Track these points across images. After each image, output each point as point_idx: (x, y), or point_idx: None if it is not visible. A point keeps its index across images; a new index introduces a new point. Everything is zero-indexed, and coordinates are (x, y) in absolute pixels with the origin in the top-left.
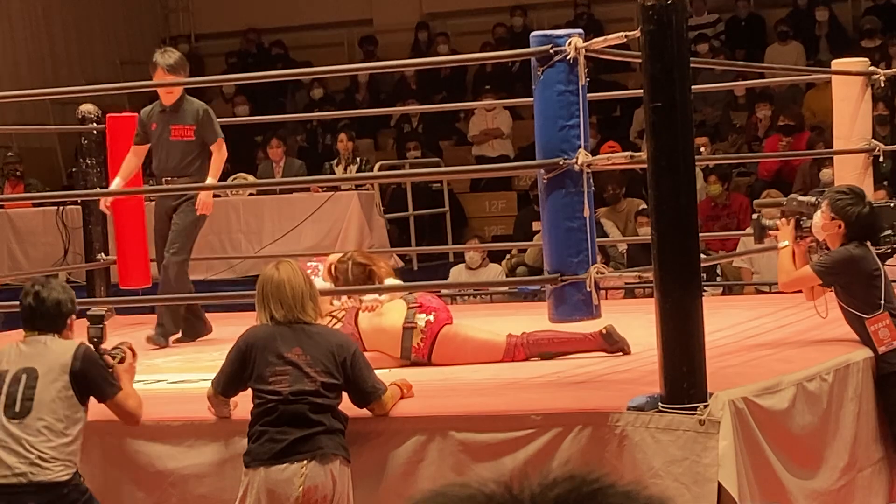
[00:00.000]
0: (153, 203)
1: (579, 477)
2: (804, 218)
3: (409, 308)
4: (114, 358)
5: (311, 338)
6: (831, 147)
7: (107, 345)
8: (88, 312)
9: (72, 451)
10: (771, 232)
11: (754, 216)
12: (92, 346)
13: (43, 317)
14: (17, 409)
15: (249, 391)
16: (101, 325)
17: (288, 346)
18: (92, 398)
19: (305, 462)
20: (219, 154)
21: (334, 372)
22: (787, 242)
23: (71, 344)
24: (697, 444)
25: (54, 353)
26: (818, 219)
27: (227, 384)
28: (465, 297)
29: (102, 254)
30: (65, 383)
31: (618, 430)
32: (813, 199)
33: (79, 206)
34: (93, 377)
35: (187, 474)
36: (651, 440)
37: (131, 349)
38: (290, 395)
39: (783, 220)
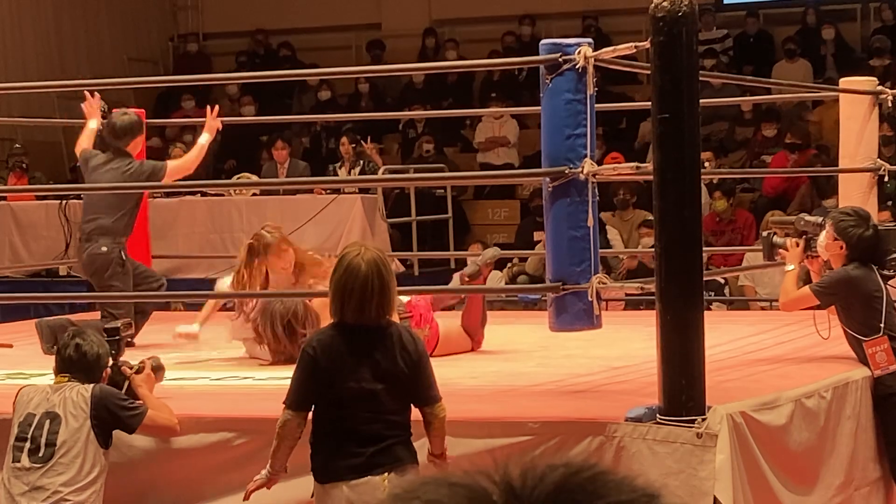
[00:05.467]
0: (156, 199)
1: (574, 465)
2: (814, 237)
3: (401, 319)
4: (130, 368)
5: (381, 343)
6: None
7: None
8: (105, 326)
9: (93, 492)
10: (781, 251)
11: (765, 233)
12: (108, 371)
13: (81, 370)
14: (41, 453)
15: None
16: (117, 338)
17: (359, 356)
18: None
19: (386, 474)
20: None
21: (402, 378)
22: (792, 267)
23: (88, 388)
24: (694, 458)
25: (73, 398)
26: (822, 238)
27: (303, 399)
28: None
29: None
30: (86, 427)
31: (615, 440)
32: (819, 220)
33: (81, 200)
34: (114, 416)
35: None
36: (648, 452)
37: (158, 364)
38: (362, 408)
39: (793, 240)
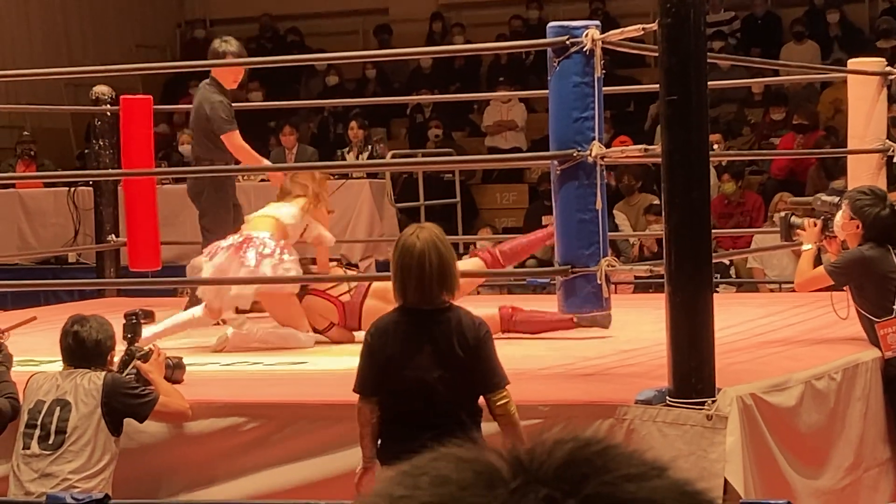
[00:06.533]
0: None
1: (583, 439)
2: (831, 218)
3: None
4: (139, 353)
5: (438, 327)
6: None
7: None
8: (126, 312)
9: (103, 480)
10: (798, 231)
11: (783, 214)
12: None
13: (83, 357)
14: (51, 440)
15: None
16: (135, 323)
17: (419, 339)
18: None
19: None
20: None
21: (459, 365)
22: (810, 246)
23: (99, 375)
24: (704, 440)
25: (85, 386)
26: (838, 218)
27: (365, 385)
28: (477, 289)
29: (113, 235)
30: (97, 415)
31: (625, 423)
32: (836, 199)
33: (90, 188)
34: (125, 404)
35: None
36: (658, 434)
37: (178, 363)
38: (423, 391)
39: (810, 221)
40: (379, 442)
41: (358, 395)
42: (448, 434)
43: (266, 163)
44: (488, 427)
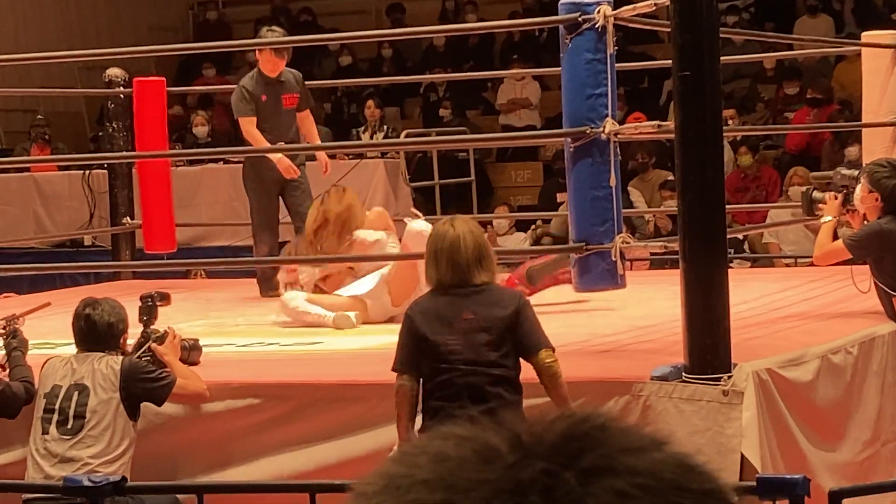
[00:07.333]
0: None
1: (581, 414)
2: (851, 191)
3: None
4: (154, 335)
5: (480, 300)
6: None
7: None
8: (141, 294)
9: (122, 464)
10: (820, 205)
11: (804, 189)
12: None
13: (95, 340)
14: (70, 425)
15: None
16: (151, 305)
17: (457, 314)
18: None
19: None
20: (312, 118)
21: (505, 334)
22: (830, 218)
23: (117, 360)
24: (721, 415)
25: (103, 370)
26: (858, 191)
27: (410, 361)
28: None
29: (128, 218)
30: (115, 399)
31: (641, 399)
32: (855, 173)
33: (105, 170)
34: (143, 388)
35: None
36: (674, 410)
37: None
38: (463, 365)
39: (831, 194)
40: (420, 421)
41: (396, 374)
42: (498, 408)
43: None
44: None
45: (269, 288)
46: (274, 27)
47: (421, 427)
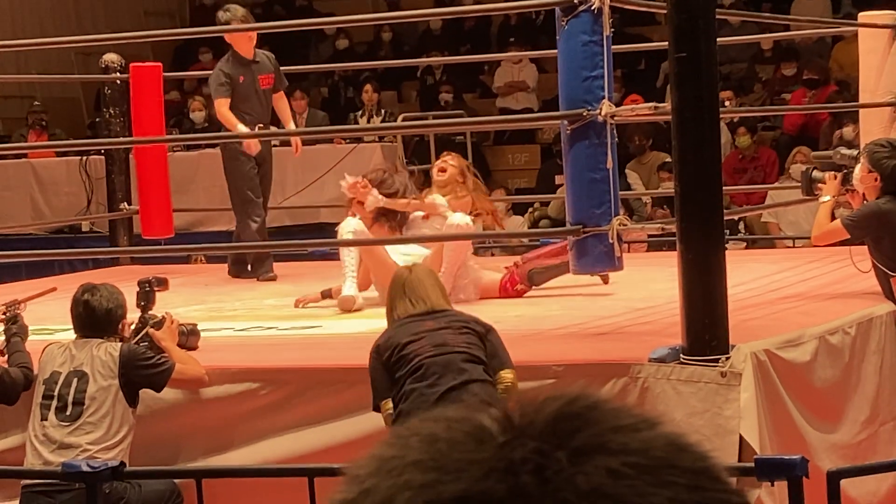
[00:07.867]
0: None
1: (572, 395)
2: (851, 171)
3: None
4: (152, 320)
5: (442, 317)
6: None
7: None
8: (139, 279)
9: (121, 451)
10: (819, 185)
11: (804, 169)
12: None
13: (94, 326)
14: (69, 411)
15: None
16: (148, 290)
17: (421, 326)
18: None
19: None
20: (286, 99)
21: (474, 338)
22: (828, 197)
23: (115, 347)
24: (719, 396)
25: (102, 357)
26: (857, 171)
27: (386, 386)
28: (492, 250)
29: (125, 203)
30: (114, 386)
31: (639, 381)
32: (855, 153)
33: (102, 156)
34: (142, 375)
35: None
36: (672, 392)
37: (193, 329)
38: (432, 349)
39: (831, 174)
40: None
41: (380, 408)
42: (474, 383)
43: (243, 130)
44: None
45: (240, 270)
46: (230, 6)
47: (397, 412)
